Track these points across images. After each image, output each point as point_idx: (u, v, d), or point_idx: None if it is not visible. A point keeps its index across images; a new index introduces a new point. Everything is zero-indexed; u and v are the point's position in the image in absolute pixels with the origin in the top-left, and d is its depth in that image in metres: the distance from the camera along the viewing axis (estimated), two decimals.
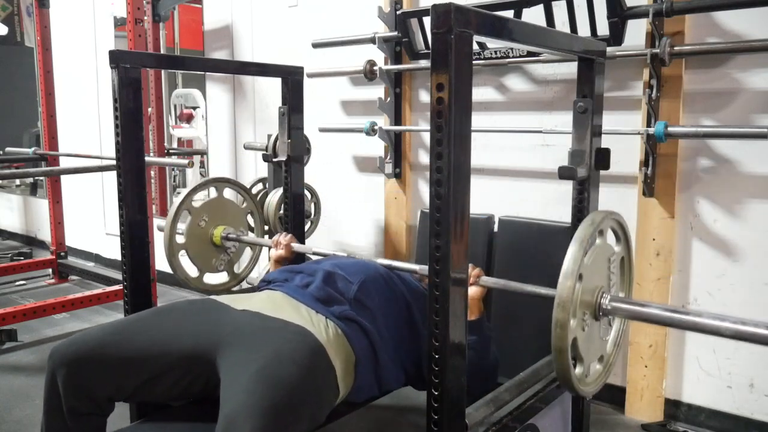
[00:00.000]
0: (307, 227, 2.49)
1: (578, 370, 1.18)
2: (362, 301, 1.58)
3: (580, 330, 1.16)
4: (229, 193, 2.19)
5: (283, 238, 2.00)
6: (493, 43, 2.30)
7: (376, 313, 1.58)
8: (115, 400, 1.44)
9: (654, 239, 2.14)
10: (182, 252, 2.04)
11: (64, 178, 4.07)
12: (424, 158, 2.78)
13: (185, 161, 3.03)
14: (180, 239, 2.03)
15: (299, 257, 2.05)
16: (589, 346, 1.20)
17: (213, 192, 2.19)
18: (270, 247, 2.06)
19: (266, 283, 1.73)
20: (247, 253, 2.24)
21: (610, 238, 1.29)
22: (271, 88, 2.98)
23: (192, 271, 2.07)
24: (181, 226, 2.05)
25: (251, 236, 2.21)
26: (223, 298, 1.58)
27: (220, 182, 2.16)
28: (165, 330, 1.44)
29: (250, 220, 2.28)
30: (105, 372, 1.38)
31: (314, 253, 1.98)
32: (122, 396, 1.44)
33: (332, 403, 1.41)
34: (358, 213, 3.03)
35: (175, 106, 5.16)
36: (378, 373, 1.54)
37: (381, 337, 1.55)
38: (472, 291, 1.53)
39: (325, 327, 1.46)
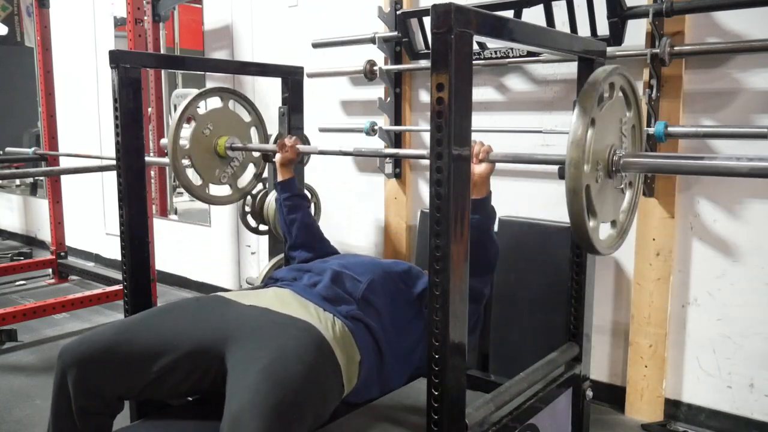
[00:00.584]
0: None
1: (592, 223, 1.16)
2: (369, 301, 1.58)
3: (594, 181, 1.15)
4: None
5: (288, 140, 1.99)
6: (493, 43, 2.30)
7: (383, 312, 1.58)
8: (125, 398, 1.44)
9: (654, 239, 2.14)
10: (187, 162, 2.01)
11: (64, 178, 4.07)
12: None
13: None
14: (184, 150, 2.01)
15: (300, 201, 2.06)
16: (602, 203, 1.19)
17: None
18: (274, 155, 2.05)
19: (274, 281, 1.73)
20: (251, 169, 2.24)
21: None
22: (271, 88, 2.98)
23: (196, 181, 2.06)
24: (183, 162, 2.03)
25: (255, 143, 2.18)
26: (231, 295, 1.59)
27: (225, 92, 2.13)
28: (174, 327, 1.45)
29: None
30: (116, 370, 1.38)
31: (320, 152, 1.99)
32: (132, 394, 1.45)
33: (336, 400, 1.41)
34: (358, 213, 3.03)
35: (175, 106, 5.15)
36: (381, 372, 1.54)
37: (386, 336, 1.56)
38: (481, 168, 1.51)
39: (332, 324, 1.47)
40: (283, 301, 1.53)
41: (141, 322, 1.48)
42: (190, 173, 2.06)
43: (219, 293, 1.62)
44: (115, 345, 1.39)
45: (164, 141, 2.20)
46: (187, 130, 2.04)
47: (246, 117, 2.21)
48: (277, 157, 2.00)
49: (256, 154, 2.21)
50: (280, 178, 2.01)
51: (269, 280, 1.76)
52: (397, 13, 2.59)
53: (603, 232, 1.25)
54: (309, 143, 2.73)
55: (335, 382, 1.39)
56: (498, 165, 2.54)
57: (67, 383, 1.37)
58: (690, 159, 1.11)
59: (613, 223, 1.28)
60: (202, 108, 2.14)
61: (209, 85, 3.69)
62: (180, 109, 1.97)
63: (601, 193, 1.19)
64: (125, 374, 1.39)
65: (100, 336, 1.42)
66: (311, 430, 1.27)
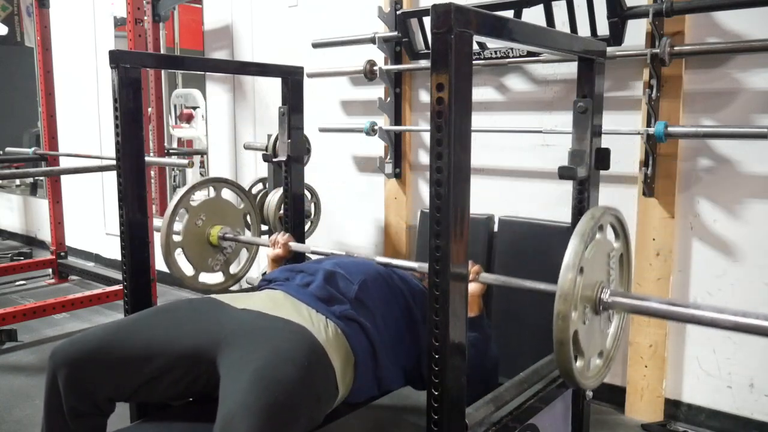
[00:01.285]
0: (307, 227, 2.49)
1: (579, 363, 1.19)
2: (363, 301, 1.58)
3: (581, 323, 1.17)
4: (228, 194, 2.19)
5: (281, 237, 1.99)
6: (493, 43, 2.30)
7: (376, 312, 1.58)
8: (116, 400, 1.44)
9: (654, 239, 2.14)
10: (178, 251, 2.04)
11: (64, 178, 4.07)
12: (424, 158, 2.78)
13: (185, 161, 3.03)
14: (177, 238, 2.03)
15: (298, 257, 2.05)
16: (589, 340, 1.22)
17: (211, 192, 2.19)
18: (267, 247, 2.06)
19: (267, 282, 1.73)
20: (244, 253, 2.24)
21: (610, 234, 1.30)
22: (271, 88, 2.99)
23: (188, 269, 2.07)
24: (178, 226, 2.05)
25: (248, 236, 2.21)
26: (224, 297, 1.58)
27: (218, 182, 2.16)
28: (166, 329, 1.44)
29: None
30: (106, 372, 1.38)
31: (312, 252, 1.97)
32: (123, 396, 1.44)
33: (331, 403, 1.40)
34: (358, 213, 3.03)
35: (175, 106, 5.16)
36: (377, 374, 1.54)
37: (381, 336, 1.55)
38: (472, 288, 1.53)
39: (325, 327, 1.46)
40: (276, 304, 1.53)
41: (133, 325, 1.47)
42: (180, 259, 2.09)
43: (212, 295, 1.62)
44: (106, 347, 1.39)
45: (157, 223, 2.26)
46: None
47: (239, 203, 2.23)
48: (269, 252, 1.99)
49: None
50: (268, 271, 1.97)
51: (262, 282, 1.76)
52: (397, 13, 2.59)
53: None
54: (309, 144, 2.73)
55: (329, 385, 1.38)
56: (498, 163, 2.56)
57: (57, 384, 1.37)
58: (677, 306, 1.11)
59: (600, 353, 1.29)
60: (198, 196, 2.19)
61: (209, 85, 3.69)
62: (173, 203, 2.01)
63: (588, 333, 1.21)
64: (116, 376, 1.38)
65: (92, 337, 1.41)
66: None
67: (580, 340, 1.17)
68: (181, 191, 2.03)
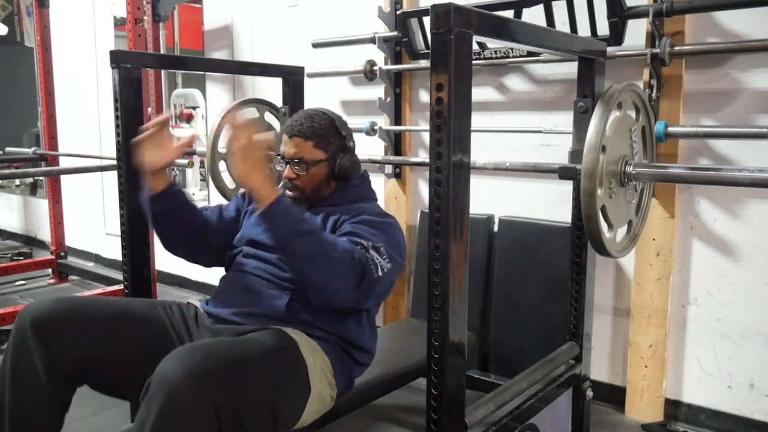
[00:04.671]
0: None
1: (608, 234, 1.27)
2: (296, 313, 1.51)
3: (608, 198, 1.25)
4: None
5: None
6: (493, 43, 2.30)
7: (313, 321, 1.51)
8: (88, 372, 1.38)
9: (654, 239, 2.14)
10: (222, 165, 2.20)
11: (64, 178, 4.07)
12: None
13: (185, 161, 3.03)
14: (222, 150, 2.20)
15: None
16: (617, 213, 1.30)
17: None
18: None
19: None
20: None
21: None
22: (272, 88, 2.98)
23: (230, 183, 2.21)
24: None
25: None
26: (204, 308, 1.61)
27: (262, 104, 2.27)
28: (147, 306, 1.51)
29: None
30: (79, 330, 1.35)
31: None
32: (95, 365, 1.38)
33: (299, 397, 1.37)
34: None
35: (175, 106, 5.16)
36: (349, 366, 1.54)
37: (328, 335, 1.51)
38: None
39: (298, 333, 1.46)
40: None
41: (113, 299, 1.53)
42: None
43: (192, 303, 1.65)
44: (81, 306, 1.40)
45: (200, 148, 2.38)
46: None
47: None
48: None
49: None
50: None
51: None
52: (397, 13, 2.59)
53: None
54: None
55: (298, 375, 1.37)
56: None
57: (26, 343, 1.31)
58: (698, 170, 1.22)
59: (628, 224, 1.39)
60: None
61: (209, 85, 3.69)
62: (220, 115, 2.15)
63: (615, 205, 1.28)
64: (89, 337, 1.36)
65: (67, 298, 1.45)
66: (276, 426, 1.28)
67: (608, 213, 1.25)
68: (227, 108, 2.22)
